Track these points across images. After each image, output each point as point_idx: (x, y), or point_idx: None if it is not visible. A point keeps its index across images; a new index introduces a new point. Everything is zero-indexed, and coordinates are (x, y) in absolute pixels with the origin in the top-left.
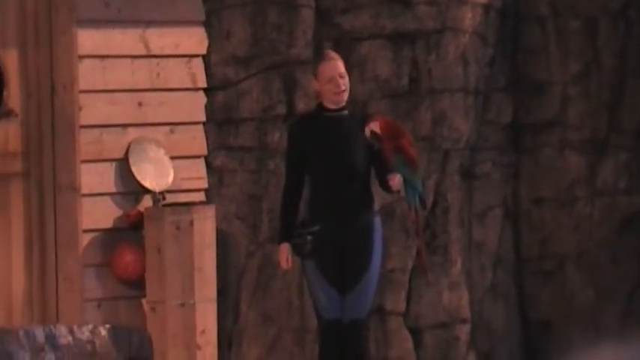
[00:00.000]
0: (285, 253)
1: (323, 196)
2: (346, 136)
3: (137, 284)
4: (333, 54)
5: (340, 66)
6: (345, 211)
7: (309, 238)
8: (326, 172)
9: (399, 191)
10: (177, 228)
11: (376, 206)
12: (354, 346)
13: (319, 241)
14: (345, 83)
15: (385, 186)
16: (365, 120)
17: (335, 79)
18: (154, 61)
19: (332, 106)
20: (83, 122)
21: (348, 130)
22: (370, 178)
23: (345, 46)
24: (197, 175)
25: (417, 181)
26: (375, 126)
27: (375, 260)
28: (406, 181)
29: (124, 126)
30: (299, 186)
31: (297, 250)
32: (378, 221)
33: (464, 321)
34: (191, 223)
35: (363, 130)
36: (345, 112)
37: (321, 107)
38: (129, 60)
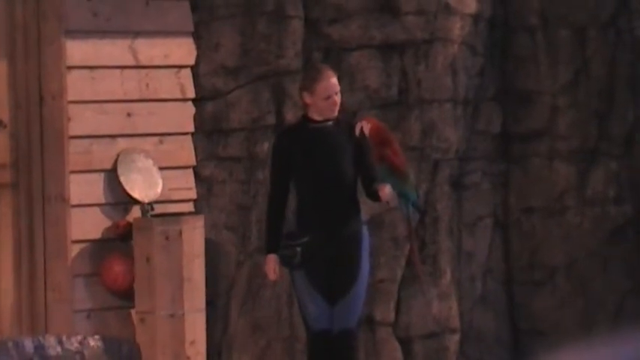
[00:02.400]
0: (272, 265)
1: (310, 207)
2: (332, 146)
3: (126, 295)
4: (329, 71)
5: (337, 83)
6: (332, 221)
7: (298, 249)
8: (313, 183)
9: (388, 202)
10: (167, 238)
11: (363, 216)
12: (344, 356)
13: (308, 252)
14: (339, 98)
15: (374, 196)
16: (352, 127)
17: (332, 97)
18: (143, 71)
19: (317, 118)
20: (72, 133)
21: (334, 140)
22: (357, 187)
23: (335, 56)
24: (186, 185)
25: (408, 189)
26: (365, 127)
27: (364, 270)
28: (395, 190)
29: (113, 136)
30: (284, 197)
31: (285, 261)
32: (365, 231)
33: (453, 331)
34: (180, 233)
35: (350, 137)
36: (330, 122)
37: (306, 118)
38: (118, 70)
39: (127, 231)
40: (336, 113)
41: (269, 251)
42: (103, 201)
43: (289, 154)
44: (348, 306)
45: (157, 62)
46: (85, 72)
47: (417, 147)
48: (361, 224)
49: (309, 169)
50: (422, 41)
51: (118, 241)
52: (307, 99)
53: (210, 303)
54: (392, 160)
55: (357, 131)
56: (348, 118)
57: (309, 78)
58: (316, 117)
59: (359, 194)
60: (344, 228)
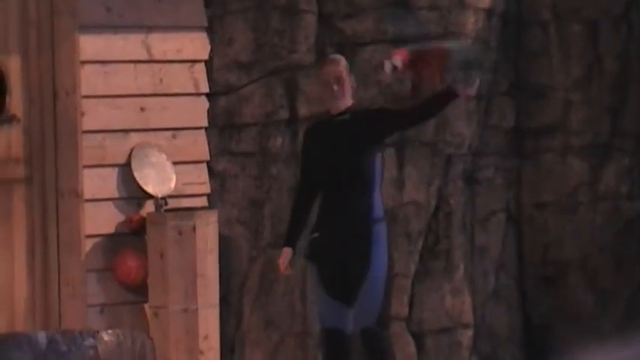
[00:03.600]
0: (285, 257)
1: (324, 202)
2: (345, 140)
3: (140, 289)
4: (332, 57)
5: (338, 71)
6: (341, 218)
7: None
8: (325, 177)
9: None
10: (180, 233)
11: (381, 212)
12: (375, 352)
13: (318, 248)
14: (342, 88)
15: (432, 109)
16: (369, 115)
17: (329, 83)
18: (157, 66)
19: (332, 111)
20: (85, 127)
21: (348, 134)
22: (374, 183)
23: (348, 51)
24: (199, 180)
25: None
26: (397, 61)
27: (376, 268)
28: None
29: (127, 131)
30: (309, 191)
31: (304, 254)
32: (380, 228)
33: (466, 326)
34: (193, 228)
35: (368, 126)
36: (347, 115)
37: (328, 112)
38: (131, 65)
39: (140, 226)
40: (338, 106)
41: (285, 244)
42: (116, 195)
43: (310, 148)
44: (362, 305)
45: (170, 57)
46: (99, 67)
47: (430, 142)
48: (375, 221)
49: (322, 163)
50: (435, 36)
51: (132, 235)
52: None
53: (223, 298)
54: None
55: (387, 69)
56: (365, 109)
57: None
58: (332, 110)
59: (375, 190)
60: (354, 225)
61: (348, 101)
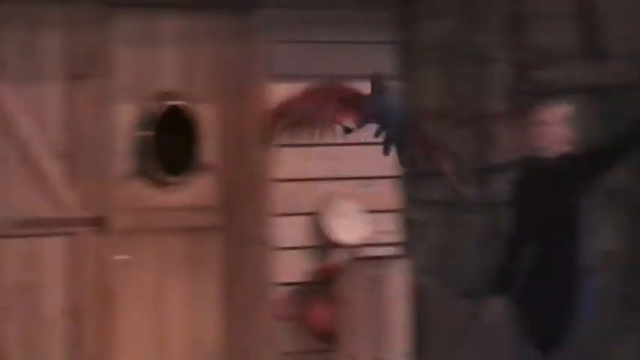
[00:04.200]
0: (495, 307)
1: (534, 250)
2: (559, 187)
3: (330, 338)
4: (546, 104)
5: (548, 114)
6: (552, 266)
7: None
8: (538, 225)
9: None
10: (371, 282)
11: (590, 261)
12: None
13: (526, 296)
14: (545, 133)
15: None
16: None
17: (537, 124)
18: None
19: (544, 156)
20: (277, 176)
21: (562, 181)
22: (583, 231)
23: (541, 99)
24: (390, 228)
25: None
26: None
27: (585, 318)
28: None
29: (318, 180)
30: (523, 240)
31: None
32: (589, 278)
33: None
34: (384, 276)
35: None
36: (558, 161)
37: (529, 159)
38: None
39: (331, 274)
40: (541, 151)
41: (493, 293)
42: (307, 244)
43: (524, 197)
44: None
45: None
46: None
47: None
48: (584, 270)
49: (534, 211)
50: (631, 85)
51: (322, 284)
52: None
53: (413, 348)
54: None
55: (342, 133)
56: (575, 154)
57: None
58: (541, 155)
59: (585, 237)
60: (564, 274)
61: (559, 146)
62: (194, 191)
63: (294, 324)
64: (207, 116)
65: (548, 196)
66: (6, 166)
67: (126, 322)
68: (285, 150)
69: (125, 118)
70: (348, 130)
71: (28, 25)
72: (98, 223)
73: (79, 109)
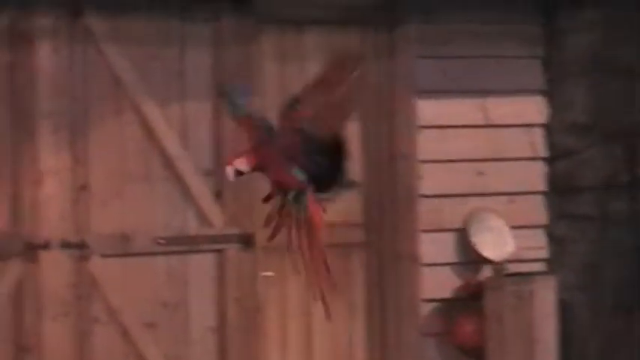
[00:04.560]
0: None
1: None
2: None
3: (477, 354)
4: None
5: None
6: None
7: None
8: None
9: None
10: (518, 298)
11: None
12: None
13: None
14: None
15: None
16: None
17: None
18: (493, 130)
19: None
20: (423, 192)
21: None
22: None
23: None
24: (537, 244)
25: None
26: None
27: None
28: None
29: (464, 195)
30: None
31: None
32: None
33: None
34: (531, 293)
35: None
36: None
37: None
38: (468, 130)
39: (478, 290)
40: None
41: None
42: (453, 260)
43: None
44: None
45: (507, 121)
46: (436, 131)
47: None
48: None
49: None
50: None
51: (469, 300)
52: None
53: None
54: None
55: (230, 175)
56: None
57: None
58: None
59: None
60: None
61: None
62: (341, 208)
63: (441, 340)
64: (353, 133)
65: None
66: (153, 184)
67: (272, 338)
68: (431, 165)
69: None
70: (239, 173)
71: (176, 43)
72: (244, 240)
73: (225, 127)
